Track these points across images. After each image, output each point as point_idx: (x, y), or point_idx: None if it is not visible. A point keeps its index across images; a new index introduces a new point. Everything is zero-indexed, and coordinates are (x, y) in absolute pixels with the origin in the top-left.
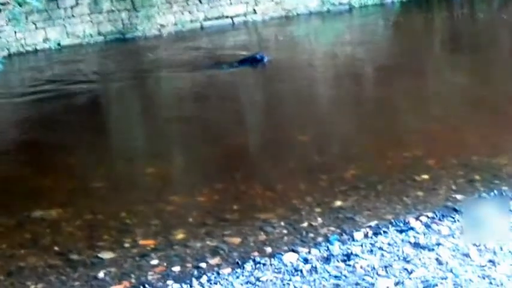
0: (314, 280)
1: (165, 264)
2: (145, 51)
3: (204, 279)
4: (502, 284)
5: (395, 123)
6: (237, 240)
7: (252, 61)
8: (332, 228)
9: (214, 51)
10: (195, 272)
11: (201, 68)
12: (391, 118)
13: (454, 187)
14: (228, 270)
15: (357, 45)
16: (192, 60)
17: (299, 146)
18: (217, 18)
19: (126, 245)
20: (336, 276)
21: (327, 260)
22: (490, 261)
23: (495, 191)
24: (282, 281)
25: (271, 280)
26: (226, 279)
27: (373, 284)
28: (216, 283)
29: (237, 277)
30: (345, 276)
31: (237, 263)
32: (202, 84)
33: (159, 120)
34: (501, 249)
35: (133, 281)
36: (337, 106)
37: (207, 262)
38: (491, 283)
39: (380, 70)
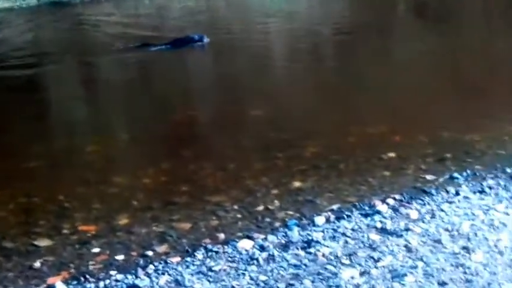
0: (271, 269)
1: (107, 252)
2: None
3: (150, 268)
4: (477, 274)
5: (358, 96)
6: (186, 225)
7: (189, 42)
8: (290, 212)
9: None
10: (141, 261)
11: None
12: (354, 91)
13: (423, 166)
14: (177, 258)
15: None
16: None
17: (253, 122)
18: None
19: (65, 231)
20: (295, 265)
21: (285, 247)
22: (464, 248)
23: (468, 171)
24: (236, 271)
25: (224, 270)
26: (175, 269)
27: (336, 274)
28: (163, 273)
29: (187, 266)
30: (305, 265)
31: (187, 251)
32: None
33: (100, 99)
34: (476, 234)
35: (72, 271)
36: (294, 80)
37: (153, 250)
38: (465, 272)
39: (338, 41)
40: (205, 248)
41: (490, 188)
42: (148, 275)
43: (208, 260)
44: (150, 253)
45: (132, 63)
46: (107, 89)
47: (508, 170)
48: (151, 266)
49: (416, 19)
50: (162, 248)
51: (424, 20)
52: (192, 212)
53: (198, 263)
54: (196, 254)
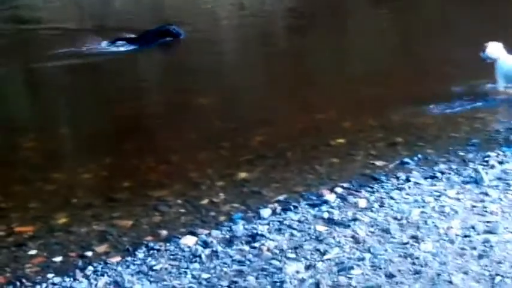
0: (214, 267)
1: (45, 254)
2: None
3: (89, 270)
4: (426, 264)
5: (306, 82)
6: (127, 223)
7: (163, 36)
8: (236, 205)
9: None
10: (79, 262)
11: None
12: (302, 77)
13: (373, 152)
14: (117, 258)
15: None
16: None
17: (198, 111)
18: None
19: (0, 232)
20: (239, 261)
21: (229, 242)
22: (413, 237)
23: (419, 155)
24: (178, 270)
25: (165, 269)
26: (115, 270)
27: (280, 269)
28: (102, 274)
29: (127, 266)
30: (249, 260)
31: (128, 249)
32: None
33: (41, 96)
34: (425, 223)
35: (8, 275)
36: (241, 68)
37: (93, 250)
38: (414, 263)
39: (288, 31)
40: (147, 246)
41: (442, 173)
42: (86, 277)
43: (149, 258)
44: (89, 253)
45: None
46: (48, 87)
47: (461, 154)
48: (90, 267)
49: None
50: (101, 248)
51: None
52: (134, 208)
53: (138, 262)
54: (137, 252)
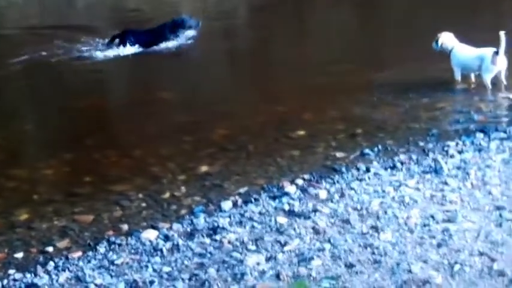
0: (175, 260)
1: (6, 250)
2: None
3: (50, 265)
4: (385, 254)
5: (267, 75)
6: (89, 218)
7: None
8: (197, 199)
9: None
10: (41, 258)
11: None
12: (263, 70)
13: (333, 143)
14: (79, 253)
15: None
16: None
17: (161, 105)
18: None
19: None
20: (200, 254)
21: (190, 235)
22: (373, 227)
23: (379, 146)
24: (139, 263)
25: (127, 263)
26: (76, 265)
27: (241, 261)
28: (64, 270)
29: (89, 261)
30: (210, 253)
31: (89, 244)
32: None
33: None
34: (385, 212)
35: None
36: (203, 61)
37: (54, 246)
38: (373, 253)
39: (249, 25)
40: (108, 241)
41: (402, 163)
42: (48, 273)
43: (110, 253)
44: (50, 249)
45: None
46: (9, 84)
47: (421, 144)
48: (51, 263)
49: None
50: (63, 243)
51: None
52: (95, 203)
53: (100, 257)
54: (98, 247)
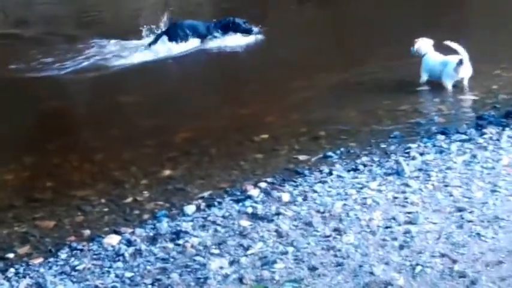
0: (138, 265)
1: None
2: None
3: (10, 272)
4: (348, 256)
5: (229, 78)
6: (50, 223)
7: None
8: (160, 203)
9: None
10: (1, 265)
11: None
12: (226, 73)
13: (296, 146)
14: (40, 259)
15: None
16: None
17: (123, 109)
18: None
19: None
20: (163, 259)
21: (153, 240)
22: (335, 229)
23: (342, 148)
24: (101, 269)
25: (88, 269)
26: (37, 271)
27: (204, 265)
28: (24, 276)
29: (50, 267)
30: (173, 258)
31: (50, 250)
32: None
33: None
34: (348, 215)
35: None
36: (166, 64)
37: (14, 252)
38: (336, 255)
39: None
40: (70, 247)
41: (364, 165)
42: (8, 279)
43: (72, 259)
44: (11, 255)
45: None
46: None
47: (383, 146)
48: (11, 269)
49: None
50: (23, 249)
51: None
52: (57, 208)
53: (61, 263)
54: (59, 253)
